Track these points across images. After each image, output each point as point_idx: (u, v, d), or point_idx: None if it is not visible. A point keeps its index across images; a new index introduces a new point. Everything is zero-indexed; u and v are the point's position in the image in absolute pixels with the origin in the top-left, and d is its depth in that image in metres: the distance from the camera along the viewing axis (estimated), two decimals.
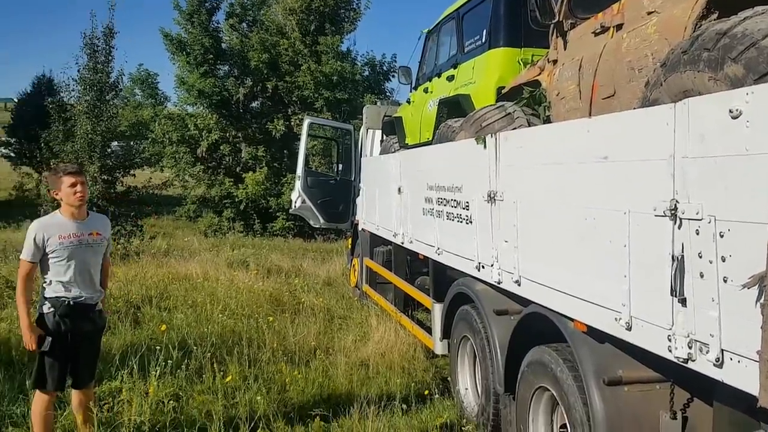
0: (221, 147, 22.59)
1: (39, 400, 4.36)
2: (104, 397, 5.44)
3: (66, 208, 4.35)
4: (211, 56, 22.15)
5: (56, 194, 4.36)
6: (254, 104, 24.07)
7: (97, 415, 4.76)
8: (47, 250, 4.23)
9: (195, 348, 6.21)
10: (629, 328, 3.00)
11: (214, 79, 22.09)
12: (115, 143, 17.26)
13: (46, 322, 4.29)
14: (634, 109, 3.31)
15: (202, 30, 21.89)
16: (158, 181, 16.85)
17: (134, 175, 15.72)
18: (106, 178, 14.50)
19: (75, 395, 4.59)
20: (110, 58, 15.23)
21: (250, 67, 22.29)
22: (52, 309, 4.28)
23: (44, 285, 4.33)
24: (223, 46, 23.03)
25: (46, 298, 4.30)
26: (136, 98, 31.47)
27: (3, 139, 42.13)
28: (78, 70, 15.09)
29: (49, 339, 4.26)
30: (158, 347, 5.88)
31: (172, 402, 5.18)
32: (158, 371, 5.53)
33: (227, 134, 22.51)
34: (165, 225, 21.91)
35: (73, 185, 4.28)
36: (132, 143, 21.46)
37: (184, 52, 22.09)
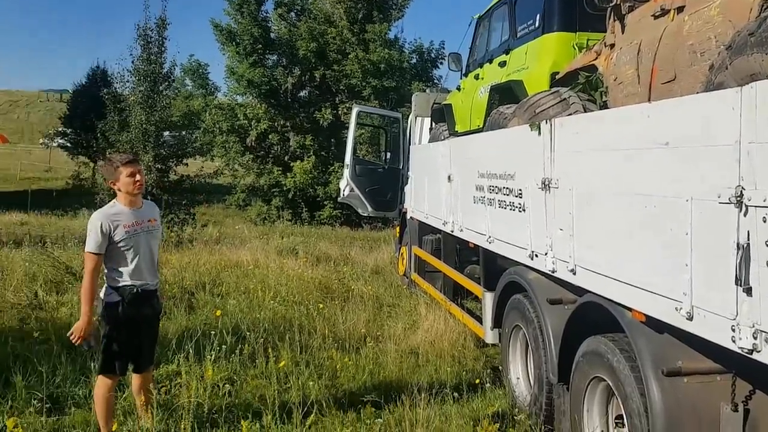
0: (270, 136, 22.87)
1: (102, 383, 4.44)
2: (162, 380, 5.59)
3: (124, 197, 4.35)
4: (260, 46, 22.40)
5: (113, 184, 4.34)
6: (302, 93, 24.27)
7: (155, 397, 4.91)
8: (114, 240, 4.22)
9: (248, 333, 6.31)
10: (690, 318, 2.93)
11: (263, 69, 22.34)
12: (167, 133, 17.62)
13: (113, 311, 4.31)
14: (697, 93, 3.22)
15: (251, 20, 22.13)
16: (209, 170, 17.14)
17: (186, 164, 16.04)
18: (159, 167, 14.84)
19: (135, 379, 4.68)
20: (163, 49, 15.58)
21: (298, 57, 22.46)
22: (119, 298, 4.29)
23: (109, 275, 4.33)
24: (272, 35, 23.27)
25: (112, 288, 4.31)
26: (187, 89, 32.03)
27: (60, 129, 43.46)
28: (132, 62, 15.47)
29: (103, 336, 4.36)
30: (213, 332, 6.00)
31: (227, 386, 5.29)
32: (213, 356, 5.64)
33: (276, 123, 22.77)
34: (215, 213, 22.32)
35: (132, 174, 4.29)
36: (184, 133, 21.87)
37: (234, 43, 22.39)
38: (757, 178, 2.51)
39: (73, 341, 4.27)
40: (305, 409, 4.97)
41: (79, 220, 18.63)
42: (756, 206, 2.51)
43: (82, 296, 4.22)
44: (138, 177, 4.32)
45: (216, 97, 27.18)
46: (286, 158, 23.15)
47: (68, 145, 39.66)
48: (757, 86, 2.52)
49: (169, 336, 6.43)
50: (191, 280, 9.27)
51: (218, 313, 6.69)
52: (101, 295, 4.40)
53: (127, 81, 16.22)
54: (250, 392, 5.38)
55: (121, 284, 4.30)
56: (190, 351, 5.64)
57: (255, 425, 4.78)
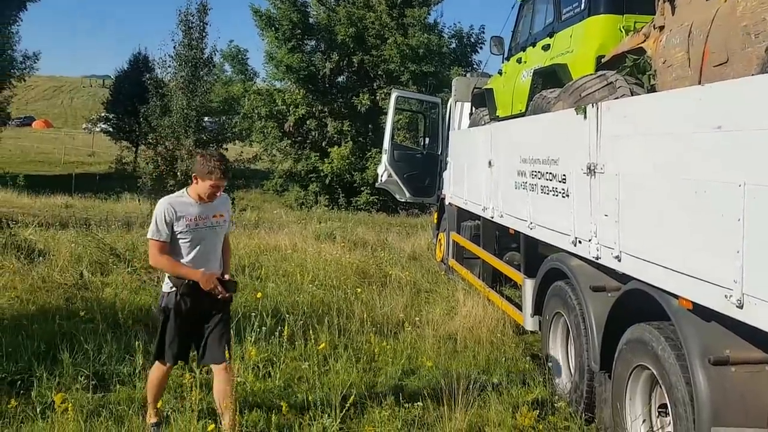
0: (308, 122, 22.96)
1: (156, 369, 4.46)
2: None
3: (195, 192, 4.21)
4: (299, 31, 22.46)
5: (195, 177, 4.18)
6: (340, 79, 24.29)
7: (196, 376, 4.98)
8: (175, 230, 4.13)
9: (287, 316, 6.37)
10: (741, 306, 2.85)
11: (302, 54, 22.41)
12: (207, 118, 17.82)
13: (168, 301, 4.26)
14: (753, 75, 3.12)
15: (290, 5, 22.18)
16: (248, 155, 17.31)
17: (227, 149, 16.21)
18: (200, 151, 15.01)
19: (215, 372, 4.43)
20: (204, 34, 15.75)
21: (336, 42, 22.46)
22: (173, 288, 4.21)
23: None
24: (311, 21, 23.30)
25: (169, 277, 4.25)
26: (226, 74, 32.32)
27: (102, 114, 44.29)
28: (174, 47, 15.65)
29: (160, 324, 4.34)
30: (253, 314, 6.07)
31: (267, 367, 5.35)
32: (253, 337, 5.71)
33: (313, 109, 22.84)
34: (253, 198, 22.53)
35: (215, 187, 4.14)
36: (223, 118, 22.10)
37: (273, 28, 22.48)
38: None
39: (222, 298, 4.23)
40: (344, 391, 5.01)
41: (122, 203, 19.02)
42: None
43: (176, 272, 4.17)
44: (218, 192, 4.20)
45: (255, 82, 27.39)
46: (323, 144, 23.24)
47: (111, 129, 40.38)
48: None
49: None
50: (231, 263, 9.36)
51: (259, 295, 6.76)
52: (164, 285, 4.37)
53: (169, 66, 16.46)
54: (289, 373, 5.43)
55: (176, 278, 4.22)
56: (231, 333, 5.72)
57: (295, 406, 4.83)
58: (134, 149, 32.29)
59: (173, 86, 15.63)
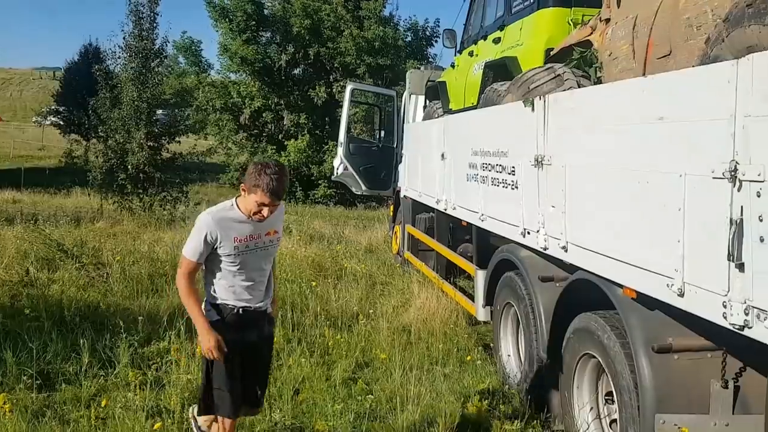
0: (264, 114, 22.74)
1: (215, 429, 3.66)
2: (153, 357, 5.58)
3: (243, 206, 3.40)
4: (254, 23, 22.18)
5: (243, 188, 3.36)
6: (296, 71, 24.09)
7: (145, 374, 4.89)
8: (219, 251, 3.38)
9: None
10: (682, 295, 2.91)
11: (257, 46, 22.16)
12: (160, 111, 17.47)
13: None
14: (693, 67, 3.17)
15: None
16: (202, 148, 17.03)
17: (179, 142, 15.91)
18: (152, 144, 14.71)
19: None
20: (155, 25, 15.36)
21: (292, 34, 22.26)
22: (218, 317, 3.49)
23: (207, 286, 3.54)
24: (266, 12, 23.04)
25: (211, 304, 3.51)
26: (180, 66, 31.75)
27: (52, 107, 43.12)
28: (123, 38, 15.27)
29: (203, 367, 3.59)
30: None
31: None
32: None
33: (269, 101, 22.62)
34: (209, 192, 22.20)
35: (262, 205, 3.33)
36: (176, 111, 21.70)
37: (227, 19, 22.17)
38: (752, 152, 2.48)
39: (215, 359, 3.44)
40: (296, 385, 4.98)
41: (72, 198, 18.56)
42: (750, 181, 2.48)
43: (186, 303, 3.45)
44: (266, 212, 3.35)
45: (209, 74, 27.00)
46: (280, 137, 23.05)
47: (61, 123, 39.35)
48: (753, 59, 2.48)
49: (161, 314, 6.41)
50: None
51: None
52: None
53: (119, 58, 16.04)
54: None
55: (220, 301, 3.49)
56: (182, 328, 5.63)
57: None
58: (85, 143, 31.49)
59: (123, 78, 15.24)
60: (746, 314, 2.53)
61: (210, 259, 3.44)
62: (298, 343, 5.87)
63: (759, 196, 2.43)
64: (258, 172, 3.28)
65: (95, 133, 16.53)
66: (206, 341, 3.40)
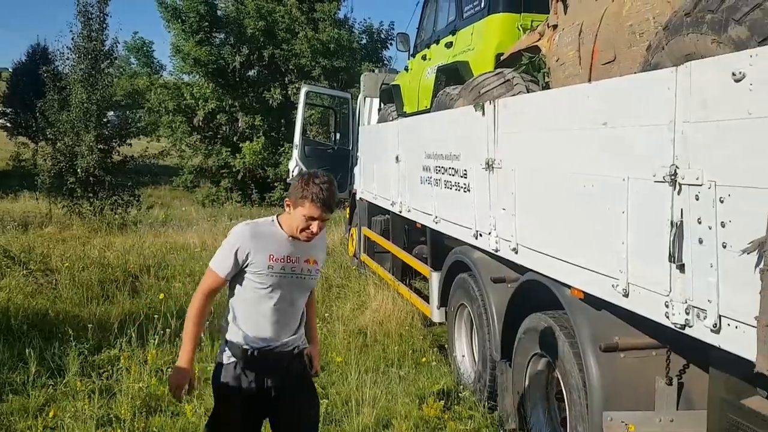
0: (218, 116, 22.44)
1: None
2: (103, 365, 5.48)
3: (287, 224, 2.96)
4: (207, 24, 21.87)
5: (288, 203, 2.93)
6: (251, 73, 23.83)
7: (95, 382, 4.80)
8: (248, 269, 2.92)
9: None
10: (626, 295, 2.99)
11: (210, 47, 21.85)
12: (112, 113, 17.14)
13: (222, 374, 3.01)
14: (635, 73, 3.26)
15: None
16: (155, 150, 16.76)
17: (131, 144, 15.63)
18: (102, 147, 14.42)
19: None
20: (104, 25, 15.07)
21: (246, 35, 22.02)
22: (233, 360, 2.98)
23: (228, 319, 3.03)
24: (219, 13, 22.73)
25: (226, 341, 3.01)
26: (132, 67, 31.15)
27: None
28: (72, 39, 14.94)
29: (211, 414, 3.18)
30: (156, 316, 5.90)
31: (170, 370, 5.20)
32: (156, 340, 5.55)
33: (224, 103, 22.33)
34: (162, 195, 21.88)
35: (311, 219, 2.87)
36: (128, 113, 21.29)
37: (180, 20, 21.80)
38: (691, 157, 2.56)
39: (174, 397, 3.17)
40: None
41: (20, 203, 18.05)
42: (689, 184, 2.56)
43: (186, 324, 2.97)
44: (314, 228, 2.89)
45: (161, 75, 26.54)
46: (235, 139, 22.77)
47: (8, 125, 38.20)
48: (691, 66, 2.56)
49: (111, 320, 6.30)
50: (135, 263, 9.08)
51: (162, 296, 6.57)
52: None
53: (67, 59, 15.69)
54: (195, 376, 5.29)
55: (236, 340, 2.97)
56: (133, 335, 5.54)
57: (200, 409, 4.72)
58: (33, 145, 30.64)
59: (72, 79, 14.89)
60: (687, 313, 2.62)
61: (236, 281, 2.97)
62: None
63: (697, 199, 2.52)
64: (305, 183, 2.86)
65: (43, 136, 16.09)
66: (173, 377, 3.02)
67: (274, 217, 3.05)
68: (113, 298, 7.34)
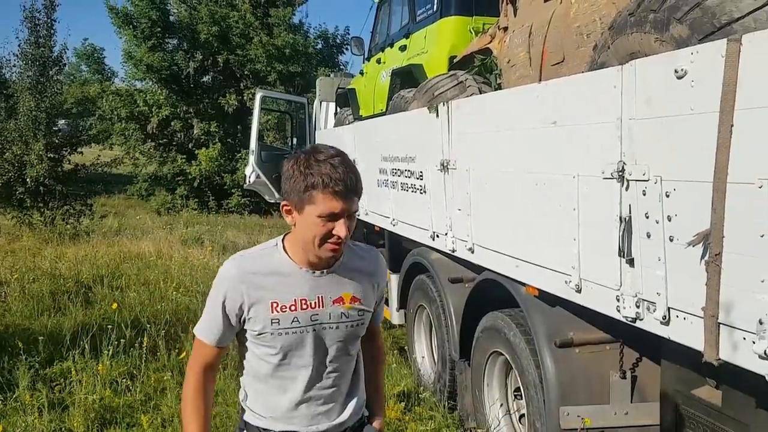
0: (172, 123, 22.14)
1: None
2: (56, 378, 5.33)
3: (298, 244, 1.99)
4: (159, 29, 21.57)
5: (287, 207, 1.96)
6: (205, 79, 23.61)
7: (47, 396, 4.67)
8: (247, 327, 2.01)
9: (148, 326, 6.10)
10: (579, 291, 3.04)
11: (163, 53, 21.57)
12: (63, 121, 16.76)
13: None
14: (583, 73, 3.32)
15: (149, 2, 21.26)
16: (107, 158, 16.43)
17: (82, 152, 15.29)
18: (52, 156, 14.07)
19: None
20: (52, 32, 14.73)
21: (199, 41, 21.79)
22: None
23: (243, 392, 2.15)
24: (171, 18, 22.46)
25: (245, 423, 2.13)
26: (82, 74, 30.54)
27: None
28: (19, 45, 14.59)
29: None
30: (110, 326, 5.77)
31: (125, 381, 5.10)
32: (110, 350, 5.43)
33: (178, 110, 22.05)
34: (116, 204, 21.45)
35: (332, 216, 1.88)
36: (79, 120, 20.81)
37: (131, 26, 21.48)
38: (637, 153, 2.62)
39: None
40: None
41: None
42: (636, 180, 2.62)
43: (182, 408, 2.08)
44: (341, 230, 1.88)
45: (113, 82, 26.07)
46: (190, 146, 22.48)
47: None
48: (636, 64, 2.62)
49: (64, 332, 6.14)
50: (88, 273, 8.88)
51: (114, 306, 6.44)
52: None
53: (14, 66, 15.30)
54: (151, 386, 5.20)
55: (254, 421, 2.09)
56: (86, 347, 5.42)
57: (156, 419, 4.64)
58: None
59: (20, 87, 14.52)
60: (637, 307, 2.67)
61: (241, 341, 2.08)
62: None
63: (644, 195, 2.57)
64: (306, 165, 1.86)
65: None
66: None
67: (278, 240, 2.05)
68: (65, 309, 7.15)
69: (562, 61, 3.91)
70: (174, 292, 7.84)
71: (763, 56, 2.08)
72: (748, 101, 2.11)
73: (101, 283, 8.39)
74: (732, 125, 2.16)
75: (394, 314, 6.26)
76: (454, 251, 4.48)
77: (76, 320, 6.66)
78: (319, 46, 24.16)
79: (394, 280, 6.26)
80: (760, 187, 2.07)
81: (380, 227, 6.54)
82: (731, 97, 2.16)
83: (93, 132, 20.37)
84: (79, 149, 15.04)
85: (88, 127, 19.71)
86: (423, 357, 5.66)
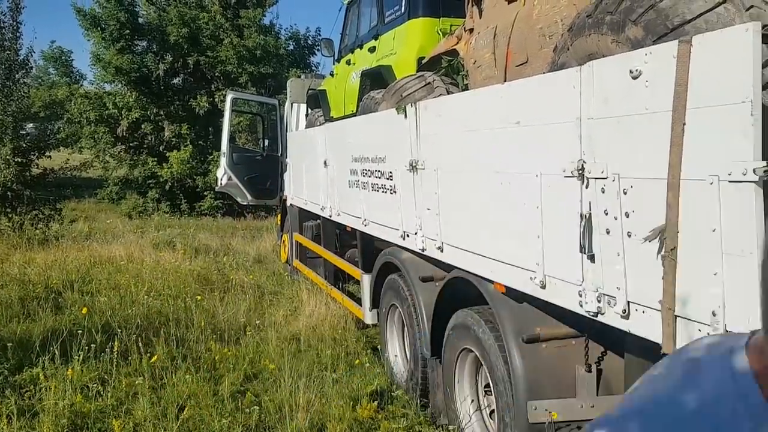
0: (143, 126, 21.88)
1: None
2: (25, 384, 5.28)
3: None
4: (128, 31, 21.31)
5: None
6: (176, 81, 23.36)
7: (16, 402, 4.63)
8: None
9: (119, 331, 6.06)
10: (543, 287, 3.11)
11: (132, 56, 21.30)
12: (31, 125, 16.50)
13: None
14: (544, 73, 3.39)
15: (116, 4, 20.99)
16: (76, 162, 16.20)
17: (50, 156, 15.07)
18: (19, 160, 13.85)
19: None
20: (18, 34, 14.50)
21: (169, 42, 21.58)
22: None
23: None
24: (140, 20, 22.19)
25: None
26: (50, 77, 30.08)
27: None
28: None
29: None
30: (80, 331, 5.73)
31: (96, 386, 5.06)
32: (81, 356, 5.39)
33: (148, 112, 21.79)
34: (86, 208, 21.14)
35: None
36: (47, 124, 20.50)
37: (99, 28, 21.18)
38: (596, 151, 2.69)
39: None
40: (181, 403, 4.87)
41: None
42: (596, 178, 2.69)
43: None
44: None
45: (82, 85, 25.70)
46: (161, 148, 22.23)
47: None
48: (593, 65, 2.69)
49: (33, 338, 6.07)
50: (58, 278, 8.77)
51: (84, 311, 6.38)
52: None
53: None
54: (123, 390, 5.17)
55: None
56: (56, 352, 5.37)
57: (128, 424, 4.62)
58: None
59: None
60: (599, 301, 2.74)
61: None
62: (183, 359, 5.73)
63: (603, 192, 2.64)
64: None
65: None
66: None
67: (739, 347, 0.82)
68: (35, 315, 7.06)
69: (526, 62, 3.98)
70: (145, 296, 7.79)
71: (712, 57, 2.16)
72: (698, 100, 2.19)
73: (71, 289, 8.30)
74: (684, 124, 2.24)
75: (367, 314, 6.30)
76: (424, 250, 4.53)
77: (46, 326, 6.58)
78: (291, 47, 24.08)
79: (366, 280, 6.30)
80: (711, 184, 2.15)
81: (352, 228, 6.57)
82: (683, 96, 2.24)
83: (61, 135, 20.09)
84: (47, 153, 14.82)
85: (56, 130, 19.45)
86: (396, 356, 5.71)
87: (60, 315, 7.19)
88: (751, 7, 2.44)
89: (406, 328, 5.34)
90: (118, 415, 4.75)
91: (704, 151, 2.18)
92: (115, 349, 5.42)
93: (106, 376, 5.34)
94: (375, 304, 6.13)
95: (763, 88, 2.04)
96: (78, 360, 5.33)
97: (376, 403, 4.91)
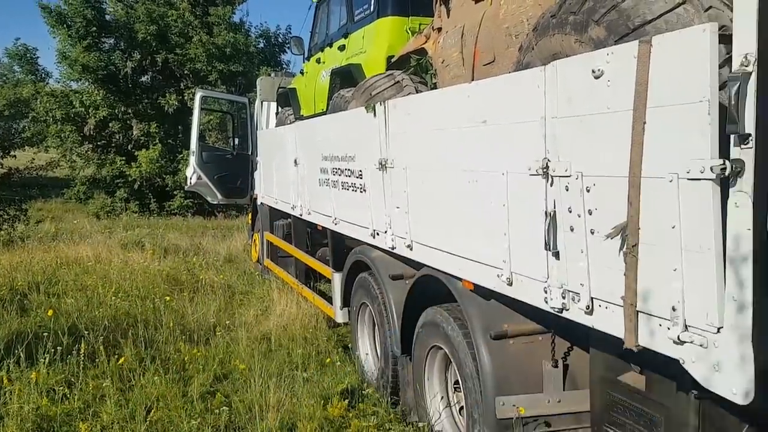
0: (110, 124, 21.56)
1: None
2: None
3: None
4: (95, 29, 20.97)
5: None
6: (144, 78, 23.07)
7: None
8: None
9: (86, 333, 5.98)
10: (510, 284, 3.14)
11: (99, 53, 20.97)
12: None
13: None
14: (509, 73, 3.42)
15: (83, 1, 20.66)
16: (42, 162, 15.92)
17: (15, 156, 14.79)
18: None
19: None
20: None
21: (137, 40, 21.29)
22: None
23: None
24: (107, 17, 21.87)
25: None
26: (15, 75, 29.49)
27: None
28: None
29: None
30: (46, 334, 5.64)
31: (62, 388, 4.99)
32: (47, 359, 5.31)
33: (116, 111, 21.47)
34: (53, 208, 20.81)
35: None
36: (11, 123, 20.09)
37: (65, 25, 20.82)
38: (560, 150, 2.73)
39: None
40: (149, 404, 4.82)
41: None
42: (560, 176, 2.73)
43: None
44: None
45: (48, 83, 25.23)
46: (129, 147, 21.94)
47: None
48: (557, 65, 2.73)
49: None
50: (23, 280, 8.62)
51: (50, 313, 6.28)
52: None
53: None
54: (90, 393, 5.11)
55: None
56: (21, 355, 5.28)
57: (95, 427, 4.57)
58: None
59: None
60: (563, 298, 2.78)
61: None
62: (152, 361, 5.67)
63: (567, 190, 2.68)
64: None
65: None
66: None
67: None
68: None
69: (493, 61, 4.02)
70: (113, 298, 7.69)
71: (672, 57, 2.20)
72: (658, 100, 2.24)
73: (37, 290, 8.16)
74: (644, 123, 2.28)
75: (338, 313, 6.30)
76: (393, 248, 4.55)
77: (11, 329, 6.46)
78: (261, 45, 23.95)
79: (336, 279, 6.30)
80: (670, 181, 2.20)
81: (323, 226, 6.56)
82: (643, 95, 2.28)
83: (27, 135, 19.70)
84: (12, 153, 14.55)
85: (21, 129, 19.07)
86: (367, 354, 5.72)
87: (25, 317, 7.07)
88: (710, 8, 2.49)
89: (376, 326, 5.35)
90: (85, 418, 4.69)
91: (664, 149, 2.23)
92: (82, 351, 5.35)
93: (72, 379, 5.27)
94: (346, 302, 6.13)
95: (721, 88, 2.08)
96: (44, 363, 5.25)
97: (346, 401, 4.91)
